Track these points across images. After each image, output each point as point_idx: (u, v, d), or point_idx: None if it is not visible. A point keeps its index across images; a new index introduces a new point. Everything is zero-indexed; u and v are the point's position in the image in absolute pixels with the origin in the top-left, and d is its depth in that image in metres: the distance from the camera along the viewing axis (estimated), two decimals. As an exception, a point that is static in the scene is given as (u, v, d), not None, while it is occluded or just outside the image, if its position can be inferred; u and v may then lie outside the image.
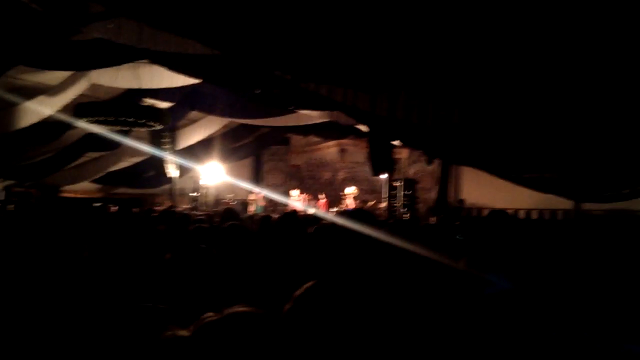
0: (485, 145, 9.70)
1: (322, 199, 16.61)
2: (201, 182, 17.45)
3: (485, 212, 15.30)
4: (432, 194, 18.22)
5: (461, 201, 15.10)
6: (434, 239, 4.01)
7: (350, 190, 16.00)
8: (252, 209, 16.78)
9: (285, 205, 16.71)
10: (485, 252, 2.66)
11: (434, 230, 6.27)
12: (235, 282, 2.72)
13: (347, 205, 15.30)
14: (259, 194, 17.34)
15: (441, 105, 9.00)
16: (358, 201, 16.18)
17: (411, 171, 18.86)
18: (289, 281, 2.21)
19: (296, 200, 16.37)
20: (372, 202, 16.78)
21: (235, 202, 18.05)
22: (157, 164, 15.92)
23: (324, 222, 6.09)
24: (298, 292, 1.36)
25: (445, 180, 17.82)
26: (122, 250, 3.06)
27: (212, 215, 9.03)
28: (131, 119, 11.63)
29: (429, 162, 16.67)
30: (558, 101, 7.22)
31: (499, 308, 2.21)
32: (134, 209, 10.54)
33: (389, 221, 8.04)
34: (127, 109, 11.66)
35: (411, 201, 15.18)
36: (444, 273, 2.55)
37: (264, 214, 14.73)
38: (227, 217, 5.05)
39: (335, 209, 16.10)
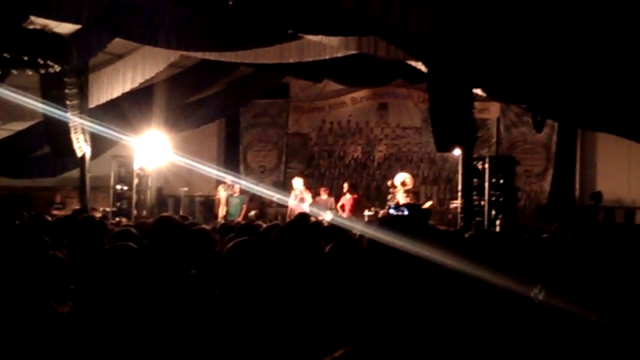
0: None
1: (347, 194, 16.51)
2: (134, 167, 17.46)
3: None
4: (544, 184, 18.27)
5: (597, 196, 14.91)
6: (547, 268, 4.07)
7: (401, 179, 15.88)
8: (222, 212, 16.81)
9: (281, 205, 16.51)
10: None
11: (548, 249, 6.26)
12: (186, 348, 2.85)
13: (396, 204, 15.18)
14: (234, 186, 17.35)
15: (558, 22, 8.88)
16: (412, 196, 16.09)
17: (506, 143, 18.84)
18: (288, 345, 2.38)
19: (301, 197, 16.31)
20: (432, 202, 16.76)
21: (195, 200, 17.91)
22: (54, 135, 15.85)
23: (348, 236, 6.08)
24: None
25: (567, 160, 17.71)
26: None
27: (150, 224, 9.01)
28: (8, 54, 11.64)
29: (538, 126, 16.41)
30: None
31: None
32: (14, 216, 10.50)
33: (464, 234, 7.98)
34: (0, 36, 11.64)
35: (507, 196, 14.99)
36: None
37: (244, 219, 15.09)
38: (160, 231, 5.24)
39: (369, 212, 16.02)
